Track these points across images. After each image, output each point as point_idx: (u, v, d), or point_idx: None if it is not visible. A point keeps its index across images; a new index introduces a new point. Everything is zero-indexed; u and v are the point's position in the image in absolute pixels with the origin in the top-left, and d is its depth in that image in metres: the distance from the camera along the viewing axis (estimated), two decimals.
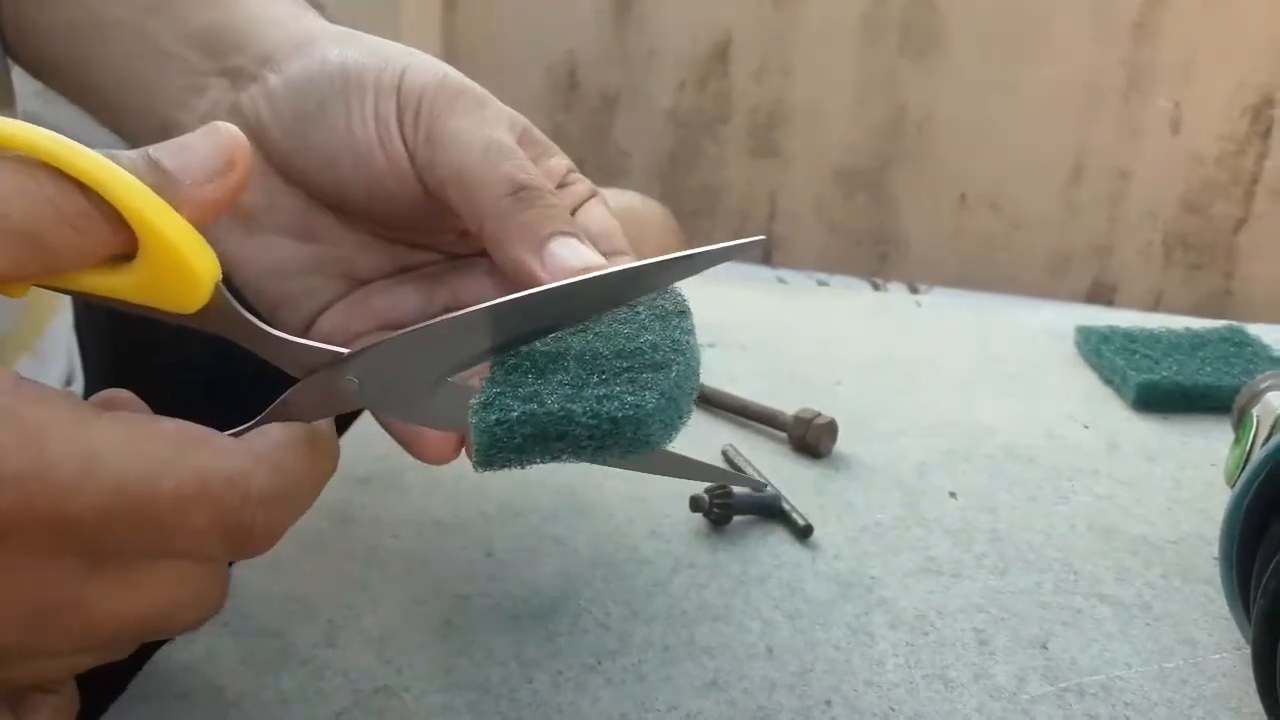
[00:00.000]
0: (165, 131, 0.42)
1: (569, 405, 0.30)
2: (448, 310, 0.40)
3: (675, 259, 0.32)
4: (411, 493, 0.48)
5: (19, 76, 0.55)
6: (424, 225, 0.40)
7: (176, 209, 0.29)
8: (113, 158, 0.28)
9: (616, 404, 0.30)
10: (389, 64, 0.39)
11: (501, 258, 0.36)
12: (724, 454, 0.51)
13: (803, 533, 0.45)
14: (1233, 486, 0.41)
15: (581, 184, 0.42)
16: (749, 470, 0.50)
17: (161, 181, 0.29)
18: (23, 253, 0.26)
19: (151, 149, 0.30)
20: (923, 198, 2.10)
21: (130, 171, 0.28)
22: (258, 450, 0.28)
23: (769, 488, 0.48)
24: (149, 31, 0.42)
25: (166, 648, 0.39)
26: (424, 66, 0.39)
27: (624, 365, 0.32)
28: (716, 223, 2.20)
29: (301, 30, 0.41)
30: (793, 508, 0.46)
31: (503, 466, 0.31)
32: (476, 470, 0.31)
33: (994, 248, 2.07)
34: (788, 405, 0.54)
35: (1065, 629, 0.40)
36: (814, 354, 0.64)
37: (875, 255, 2.15)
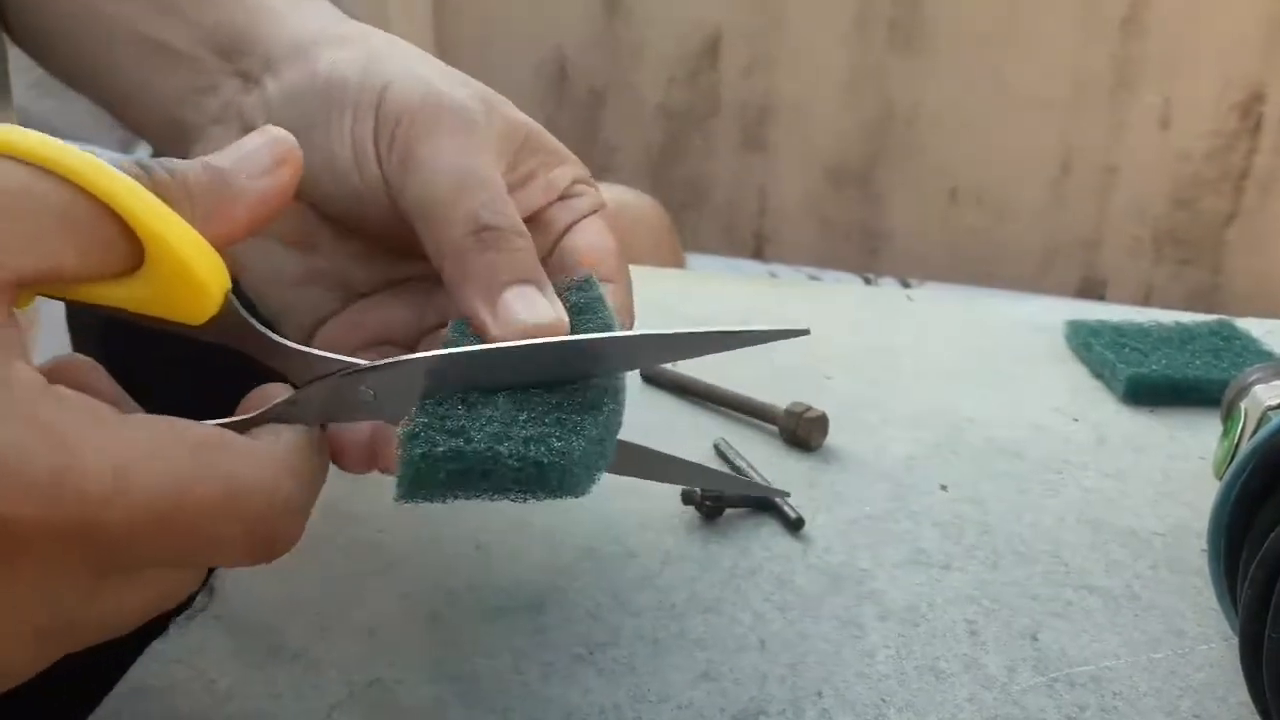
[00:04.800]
0: (176, 130, 0.42)
1: (495, 446, 0.29)
2: (438, 327, 0.40)
3: (716, 333, 0.34)
4: None
5: (13, 69, 0.55)
6: (412, 241, 0.38)
7: (233, 206, 0.29)
8: (170, 168, 0.28)
9: (544, 448, 0.29)
10: (372, 77, 0.37)
11: (457, 301, 0.35)
12: (716, 448, 0.51)
13: (794, 525, 0.45)
14: (1221, 479, 0.41)
15: (585, 197, 0.40)
16: (740, 463, 0.50)
17: (216, 180, 0.29)
18: (29, 261, 0.25)
19: (206, 157, 0.30)
20: (912, 193, 2.10)
21: (187, 175, 0.28)
22: (278, 455, 0.28)
23: (760, 480, 0.48)
24: (157, 31, 0.42)
25: (159, 641, 0.39)
26: (409, 81, 0.37)
27: (554, 401, 0.31)
28: (705, 217, 2.20)
29: (305, 28, 0.40)
30: (784, 500, 0.47)
31: (425, 500, 0.30)
32: (395, 502, 0.30)
33: (983, 243, 2.08)
34: (779, 399, 0.54)
35: (1055, 620, 0.41)
36: (804, 348, 0.64)
37: (865, 250, 2.15)
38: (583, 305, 0.35)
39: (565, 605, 0.41)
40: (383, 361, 0.31)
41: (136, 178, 0.27)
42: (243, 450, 0.27)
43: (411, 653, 0.38)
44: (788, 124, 2.13)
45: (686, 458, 0.45)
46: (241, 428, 0.29)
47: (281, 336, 0.31)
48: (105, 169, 0.26)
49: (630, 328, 0.38)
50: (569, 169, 0.40)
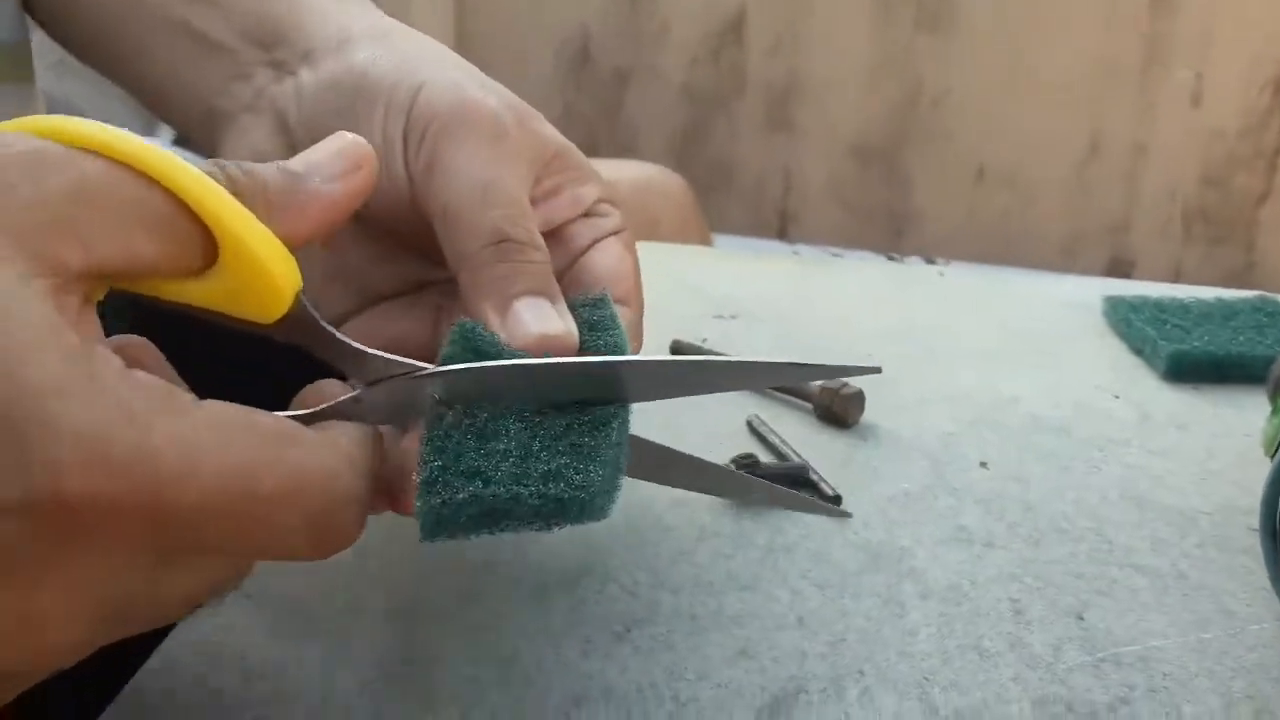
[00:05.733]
0: (206, 117, 0.42)
1: (515, 487, 0.29)
2: None
3: (789, 364, 0.35)
4: None
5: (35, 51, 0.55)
6: (432, 244, 0.37)
7: (306, 207, 0.29)
8: (246, 169, 0.28)
9: (563, 484, 0.29)
10: (407, 77, 0.37)
11: (469, 307, 0.35)
12: (749, 424, 0.51)
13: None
14: (1272, 457, 0.40)
15: (609, 218, 0.40)
16: (774, 439, 0.49)
17: (291, 182, 0.29)
18: (109, 251, 0.25)
19: (282, 161, 0.30)
20: (938, 173, 2.08)
21: (264, 175, 0.29)
22: (347, 449, 0.28)
23: (795, 457, 0.47)
24: (193, 19, 0.42)
25: (189, 618, 0.38)
26: (443, 83, 0.37)
27: (564, 424, 0.31)
28: (730, 198, 2.18)
29: (344, 25, 0.40)
30: (820, 477, 0.46)
31: (448, 539, 0.30)
32: (421, 540, 0.30)
33: (1010, 224, 2.06)
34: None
35: (1101, 599, 0.40)
36: (836, 325, 0.63)
37: (890, 231, 2.13)
38: (595, 322, 0.35)
39: (601, 582, 0.40)
40: (452, 367, 0.31)
41: (212, 176, 0.27)
42: (311, 442, 0.27)
43: (447, 631, 0.38)
44: (813, 104, 2.11)
45: (718, 434, 0.44)
46: (305, 421, 0.29)
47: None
48: (182, 165, 0.26)
49: (638, 352, 0.38)
50: (595, 187, 0.40)
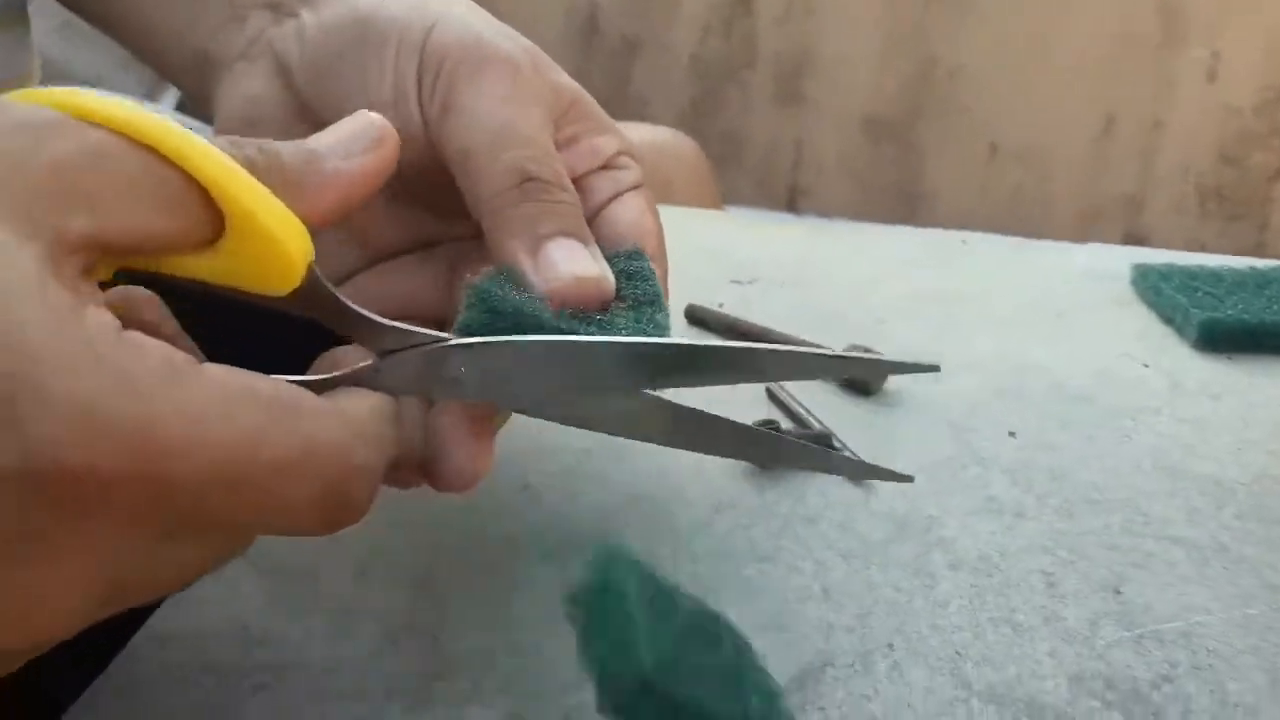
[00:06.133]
0: (204, 68, 0.40)
1: None
2: None
3: (846, 358, 0.35)
4: None
5: (34, 14, 0.53)
6: (444, 196, 0.35)
7: (325, 186, 0.28)
8: (262, 147, 0.27)
9: None
10: (418, 17, 0.35)
11: (496, 251, 0.33)
12: (769, 391, 0.49)
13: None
14: None
15: (629, 171, 0.38)
16: (795, 407, 0.47)
17: (310, 159, 0.28)
18: (113, 222, 0.24)
19: (298, 141, 0.29)
20: (951, 148, 2.06)
21: (279, 153, 0.28)
22: (358, 418, 0.27)
23: (817, 424, 0.46)
24: None
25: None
26: (456, 23, 0.35)
27: None
28: (740, 171, 2.16)
29: None
30: (843, 445, 0.44)
31: None
32: None
33: (1023, 200, 2.03)
34: (831, 342, 0.51)
35: (1138, 572, 0.38)
36: (855, 291, 0.61)
37: (901, 206, 2.11)
38: (632, 271, 0.34)
39: None
40: (479, 340, 0.30)
41: (225, 151, 0.26)
42: (319, 410, 0.25)
43: (458, 599, 0.36)
44: (825, 76, 2.09)
45: (737, 400, 0.42)
46: (319, 388, 0.27)
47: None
48: (186, 135, 0.25)
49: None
50: (615, 139, 0.38)
